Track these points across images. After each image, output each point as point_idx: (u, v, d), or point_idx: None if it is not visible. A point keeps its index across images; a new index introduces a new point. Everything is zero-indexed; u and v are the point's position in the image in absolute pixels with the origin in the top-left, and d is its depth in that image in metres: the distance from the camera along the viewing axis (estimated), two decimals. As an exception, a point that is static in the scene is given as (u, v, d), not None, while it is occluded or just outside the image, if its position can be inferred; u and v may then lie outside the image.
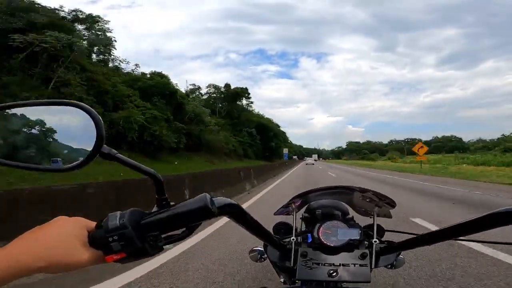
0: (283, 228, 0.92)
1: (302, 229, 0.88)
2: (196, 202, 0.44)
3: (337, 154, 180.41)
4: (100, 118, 0.41)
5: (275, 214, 0.99)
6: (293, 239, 0.79)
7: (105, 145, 0.42)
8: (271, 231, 0.81)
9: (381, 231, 0.82)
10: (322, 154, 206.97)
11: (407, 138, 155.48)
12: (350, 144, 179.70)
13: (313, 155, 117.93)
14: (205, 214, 0.44)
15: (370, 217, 0.84)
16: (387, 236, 0.83)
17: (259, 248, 0.92)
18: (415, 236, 0.65)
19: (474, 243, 3.03)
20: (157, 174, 0.45)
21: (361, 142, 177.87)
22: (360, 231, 0.77)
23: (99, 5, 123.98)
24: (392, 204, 0.82)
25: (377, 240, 0.76)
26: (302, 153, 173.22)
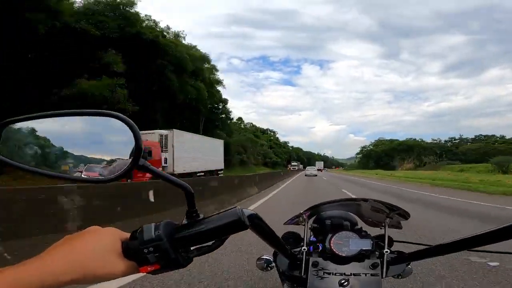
0: (292, 238, 0.93)
1: (311, 239, 0.90)
2: (229, 215, 0.46)
3: (377, 160, 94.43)
4: (139, 131, 0.43)
5: (285, 224, 1.01)
6: (304, 249, 0.81)
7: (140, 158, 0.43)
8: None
9: (390, 241, 0.83)
10: (327, 162, 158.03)
11: (479, 135, 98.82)
12: (380, 142, 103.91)
13: (317, 163, 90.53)
14: (239, 227, 0.45)
15: (381, 228, 0.86)
16: (396, 246, 0.84)
17: (267, 257, 0.93)
18: (427, 246, 0.66)
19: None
20: (189, 186, 0.47)
21: (399, 139, 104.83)
22: (372, 242, 0.78)
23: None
24: (405, 215, 0.84)
25: (388, 251, 0.77)
26: (302, 159, 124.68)
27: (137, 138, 0.43)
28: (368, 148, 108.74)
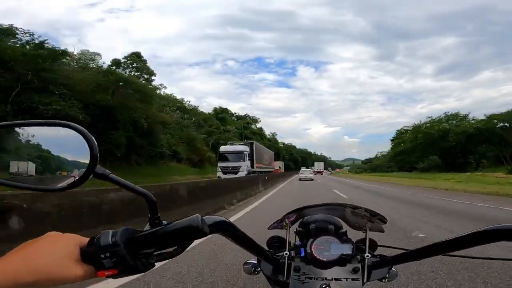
0: (277, 242, 0.92)
1: (296, 243, 0.89)
2: (187, 222, 0.46)
3: (442, 155, 42.22)
4: (94, 139, 0.42)
5: (269, 228, 1.00)
6: (286, 254, 0.80)
7: (98, 166, 0.43)
8: (264, 245, 0.82)
9: (373, 245, 0.83)
10: (325, 163, 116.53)
11: None
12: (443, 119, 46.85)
13: (316, 163, 72.97)
14: (196, 233, 0.46)
15: (363, 232, 0.85)
16: (380, 250, 0.84)
17: (253, 261, 0.92)
18: (406, 251, 0.67)
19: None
20: (150, 194, 0.47)
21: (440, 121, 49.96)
22: (352, 246, 0.78)
23: (98, 8, 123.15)
24: (383, 220, 0.84)
25: (369, 255, 0.77)
26: (296, 158, 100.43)
27: (91, 146, 0.42)
28: (424, 127, 49.38)
